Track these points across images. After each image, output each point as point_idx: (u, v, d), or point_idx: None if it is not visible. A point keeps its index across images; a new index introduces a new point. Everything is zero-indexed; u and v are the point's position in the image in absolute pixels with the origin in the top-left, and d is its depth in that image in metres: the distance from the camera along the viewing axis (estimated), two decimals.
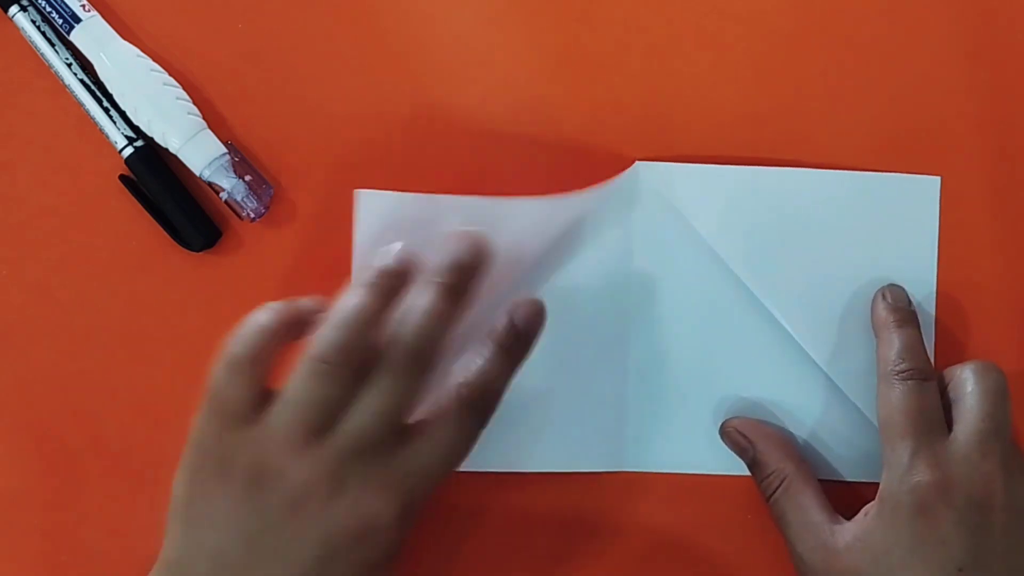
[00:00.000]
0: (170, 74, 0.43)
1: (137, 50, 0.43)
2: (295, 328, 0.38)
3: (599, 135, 0.44)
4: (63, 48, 0.44)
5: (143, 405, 0.44)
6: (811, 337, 0.43)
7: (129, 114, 0.43)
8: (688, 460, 0.44)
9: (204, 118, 0.43)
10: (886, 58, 0.45)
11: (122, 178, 0.44)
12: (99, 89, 0.43)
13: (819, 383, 0.43)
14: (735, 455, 0.43)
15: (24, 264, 0.44)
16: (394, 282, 0.38)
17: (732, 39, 0.45)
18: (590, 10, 0.45)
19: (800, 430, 0.43)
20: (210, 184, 0.43)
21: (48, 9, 0.43)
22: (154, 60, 0.43)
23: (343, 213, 0.43)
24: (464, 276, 0.38)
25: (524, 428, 0.43)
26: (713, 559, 0.44)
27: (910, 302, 0.43)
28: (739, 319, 0.43)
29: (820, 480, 0.41)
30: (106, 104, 0.43)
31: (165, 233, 0.43)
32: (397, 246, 0.39)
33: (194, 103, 0.43)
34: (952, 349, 0.44)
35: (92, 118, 0.43)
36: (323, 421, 0.36)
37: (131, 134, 0.43)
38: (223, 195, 0.43)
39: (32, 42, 0.43)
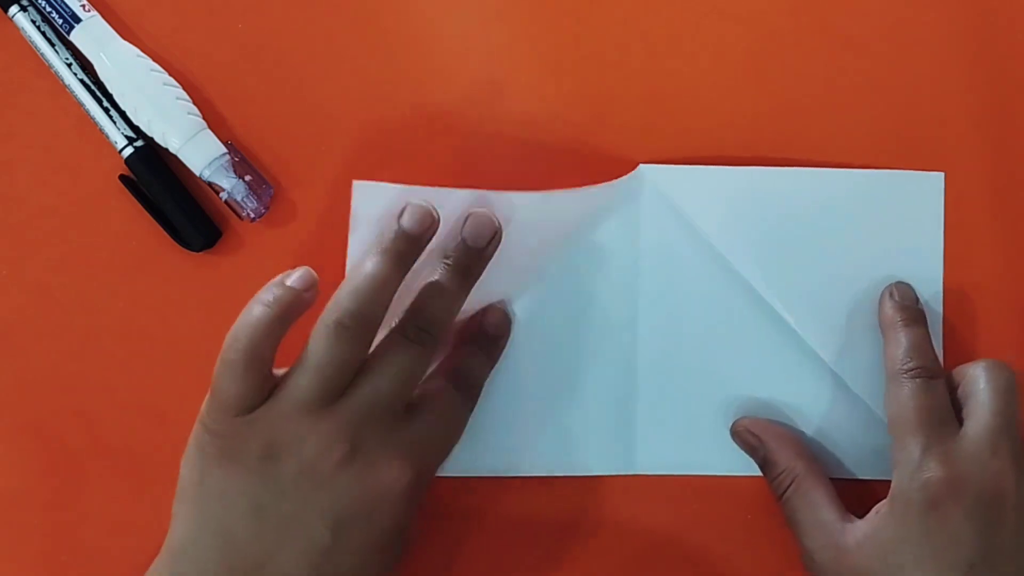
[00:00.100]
0: (170, 74, 0.43)
1: (137, 50, 0.43)
2: (290, 315, 0.38)
3: (599, 135, 0.44)
4: (63, 48, 0.44)
5: (143, 405, 0.44)
6: (818, 335, 0.43)
7: (129, 114, 0.43)
8: (698, 461, 0.44)
9: (204, 118, 0.43)
10: (886, 56, 0.45)
11: (122, 178, 0.44)
12: (99, 89, 0.43)
13: (827, 381, 0.43)
14: (745, 455, 0.43)
15: (24, 264, 0.44)
16: (409, 247, 0.39)
17: (732, 39, 0.45)
18: (590, 10, 0.45)
19: (809, 428, 0.43)
20: (210, 184, 0.43)
21: (48, 9, 0.43)
22: (154, 60, 0.43)
23: (343, 213, 0.43)
24: (476, 258, 0.40)
25: (532, 432, 0.43)
26: (713, 560, 0.44)
27: (917, 300, 0.43)
28: (746, 319, 0.43)
29: (831, 479, 0.41)
30: (106, 104, 0.43)
31: (165, 233, 0.43)
32: (414, 204, 0.39)
33: (194, 103, 0.43)
34: (959, 344, 0.44)
35: (92, 118, 0.43)
36: (339, 383, 0.37)
37: (131, 134, 0.43)
38: (223, 195, 0.43)
39: (32, 42, 0.43)
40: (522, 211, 0.42)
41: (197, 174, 0.43)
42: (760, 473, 0.43)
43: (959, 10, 0.45)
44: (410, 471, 0.37)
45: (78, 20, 0.43)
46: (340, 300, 0.37)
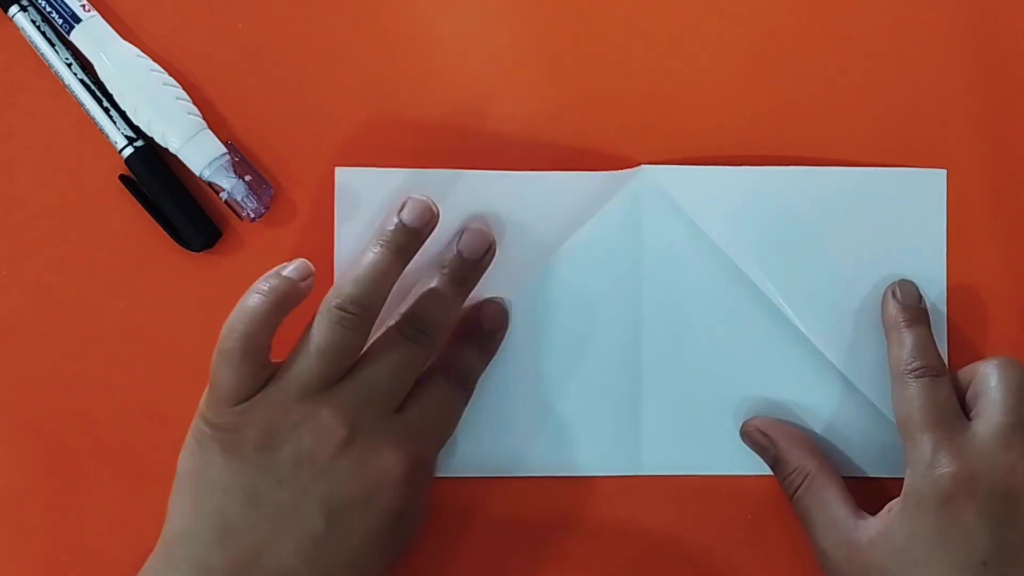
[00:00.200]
0: (170, 74, 0.43)
1: (137, 50, 0.43)
2: (286, 304, 0.38)
3: (599, 135, 0.44)
4: (63, 48, 0.44)
5: (143, 405, 0.44)
6: (823, 334, 0.43)
7: (129, 114, 0.43)
8: (704, 462, 0.44)
9: (204, 118, 0.43)
10: (886, 56, 0.45)
11: (122, 178, 0.44)
12: (99, 89, 0.43)
13: (834, 379, 0.43)
14: (751, 454, 0.43)
15: (24, 264, 0.44)
16: (409, 239, 0.40)
17: (732, 39, 0.45)
18: (590, 10, 0.45)
19: (817, 426, 0.43)
20: (210, 184, 0.43)
21: (48, 9, 0.43)
22: (154, 60, 0.43)
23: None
24: (471, 269, 0.41)
25: (537, 432, 0.43)
26: (714, 560, 0.44)
27: (920, 298, 0.43)
28: (750, 318, 0.43)
29: (843, 477, 0.41)
30: (106, 104, 0.43)
31: (165, 233, 0.43)
32: (415, 199, 0.40)
33: (194, 103, 0.43)
34: (963, 341, 0.44)
35: (92, 118, 0.43)
36: (338, 369, 0.38)
37: (131, 134, 0.43)
38: (223, 195, 0.43)
39: (32, 42, 0.43)
40: (501, 188, 0.43)
41: (197, 174, 0.43)
42: (763, 473, 0.43)
43: (959, 9, 0.45)
44: (406, 458, 0.38)
45: (78, 20, 0.43)
46: (341, 287, 0.38)
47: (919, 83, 0.45)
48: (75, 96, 0.43)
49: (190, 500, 0.37)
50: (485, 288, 0.43)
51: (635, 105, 0.45)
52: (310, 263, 0.40)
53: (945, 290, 0.44)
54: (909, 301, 0.42)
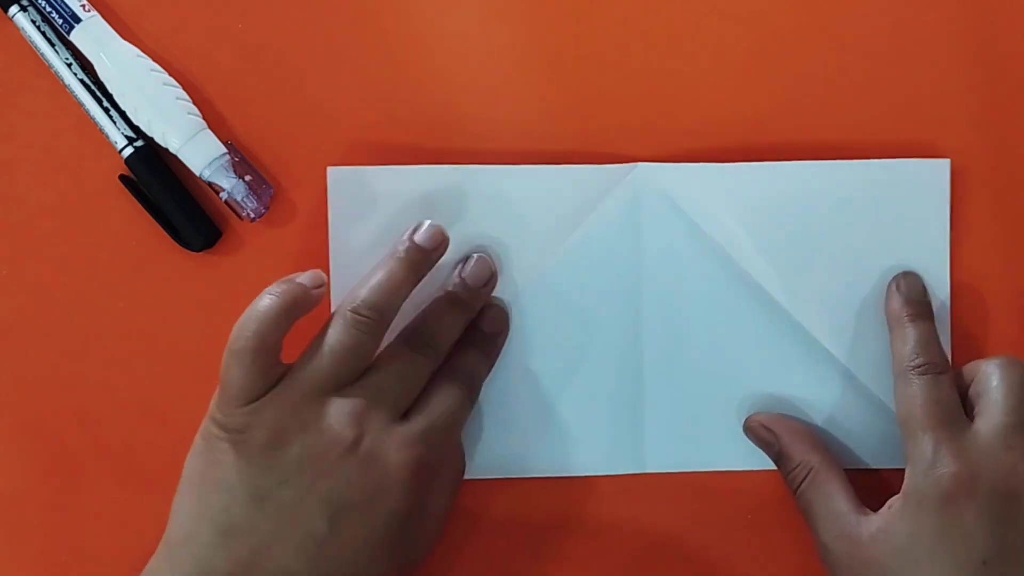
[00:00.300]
0: (170, 74, 0.43)
1: (137, 50, 0.43)
2: (298, 308, 0.38)
3: (599, 135, 0.44)
4: (63, 48, 0.44)
5: (143, 405, 0.44)
6: (826, 327, 0.43)
7: (129, 114, 0.43)
8: (707, 458, 0.44)
9: (204, 118, 0.43)
10: (886, 56, 0.45)
11: (122, 178, 0.44)
12: (99, 89, 0.43)
13: (836, 373, 0.43)
14: (755, 449, 0.43)
15: (24, 264, 0.44)
16: (421, 258, 0.41)
17: (732, 39, 0.45)
18: (590, 10, 0.45)
19: (819, 420, 0.44)
20: (210, 184, 0.43)
21: (48, 9, 0.43)
22: (154, 60, 0.43)
23: None
24: (474, 295, 0.42)
25: (540, 433, 0.43)
26: (713, 560, 0.44)
27: (924, 291, 0.43)
28: (751, 314, 0.43)
29: (846, 471, 0.41)
30: (106, 104, 0.43)
31: (165, 233, 0.43)
32: (429, 224, 0.41)
33: (194, 103, 0.43)
34: (966, 335, 0.44)
35: (92, 118, 0.43)
36: (349, 371, 0.38)
37: (131, 134, 0.43)
38: (223, 195, 0.43)
39: (32, 42, 0.43)
40: (494, 182, 0.43)
41: (197, 174, 0.43)
42: (766, 468, 0.43)
43: (959, 9, 0.45)
44: (412, 462, 0.38)
45: (78, 20, 0.43)
46: (356, 292, 0.39)
47: (919, 84, 0.45)
48: (75, 96, 0.43)
49: (194, 500, 0.37)
50: None
51: (635, 105, 0.45)
52: (323, 273, 0.40)
53: (948, 282, 0.43)
54: (913, 295, 0.42)
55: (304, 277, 0.39)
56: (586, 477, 0.44)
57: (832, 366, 0.43)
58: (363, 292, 0.39)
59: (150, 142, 0.43)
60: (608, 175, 0.43)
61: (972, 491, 0.37)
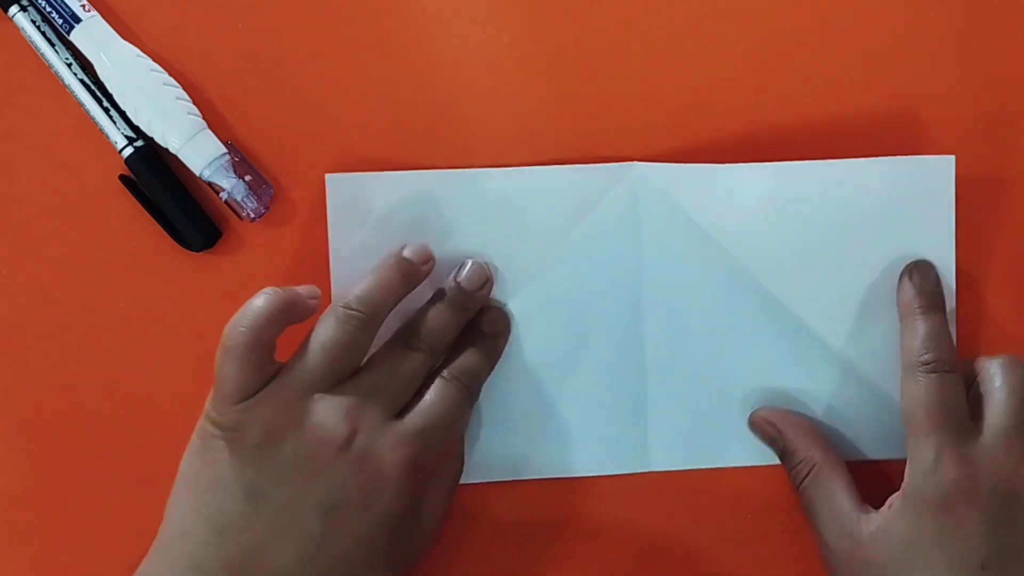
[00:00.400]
0: (170, 74, 0.43)
1: (137, 50, 0.43)
2: (292, 311, 0.38)
3: (599, 135, 0.44)
4: (63, 48, 0.44)
5: (143, 405, 0.44)
6: (828, 323, 0.43)
7: (129, 114, 0.43)
8: (712, 455, 0.44)
9: (204, 118, 0.43)
10: (886, 56, 0.45)
11: (122, 178, 0.44)
12: (99, 89, 0.43)
13: (838, 367, 0.43)
14: (760, 445, 0.43)
15: (24, 264, 0.44)
16: (412, 269, 0.41)
17: (732, 39, 0.45)
18: (590, 10, 0.45)
19: (823, 413, 0.44)
20: (210, 184, 0.43)
21: (48, 9, 0.43)
22: (154, 60, 0.43)
23: None
24: (470, 299, 0.42)
25: (544, 435, 0.43)
26: (713, 560, 0.44)
27: (938, 282, 0.42)
28: (751, 311, 0.43)
29: (849, 463, 0.41)
30: (106, 104, 0.43)
31: (165, 233, 0.43)
32: (416, 243, 0.42)
33: (194, 103, 0.43)
34: (969, 327, 0.44)
35: (92, 118, 0.43)
36: (342, 367, 0.38)
37: (131, 134, 0.43)
38: (223, 195, 0.43)
39: (32, 42, 0.43)
40: (497, 187, 0.43)
41: (197, 174, 0.43)
42: (772, 463, 0.43)
43: (959, 9, 0.45)
44: (407, 461, 0.37)
45: (78, 20, 0.43)
46: (349, 291, 0.39)
47: (920, 85, 0.45)
48: (75, 96, 0.43)
49: (190, 499, 0.37)
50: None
51: (635, 105, 0.45)
52: (319, 289, 0.40)
53: (954, 278, 0.43)
54: (926, 286, 0.42)
55: (300, 288, 0.39)
56: (586, 477, 0.44)
57: (834, 360, 0.43)
58: (355, 290, 0.39)
59: (150, 142, 0.43)
60: (606, 175, 0.43)
61: (973, 497, 0.37)
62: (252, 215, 0.43)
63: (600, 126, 0.45)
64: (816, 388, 0.44)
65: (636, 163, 0.43)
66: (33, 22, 0.43)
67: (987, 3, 0.45)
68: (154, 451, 0.43)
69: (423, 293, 0.42)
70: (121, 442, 0.44)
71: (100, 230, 0.44)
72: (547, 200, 0.43)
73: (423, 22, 0.45)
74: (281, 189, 0.44)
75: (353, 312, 0.38)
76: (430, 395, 0.40)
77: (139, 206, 0.43)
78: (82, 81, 0.43)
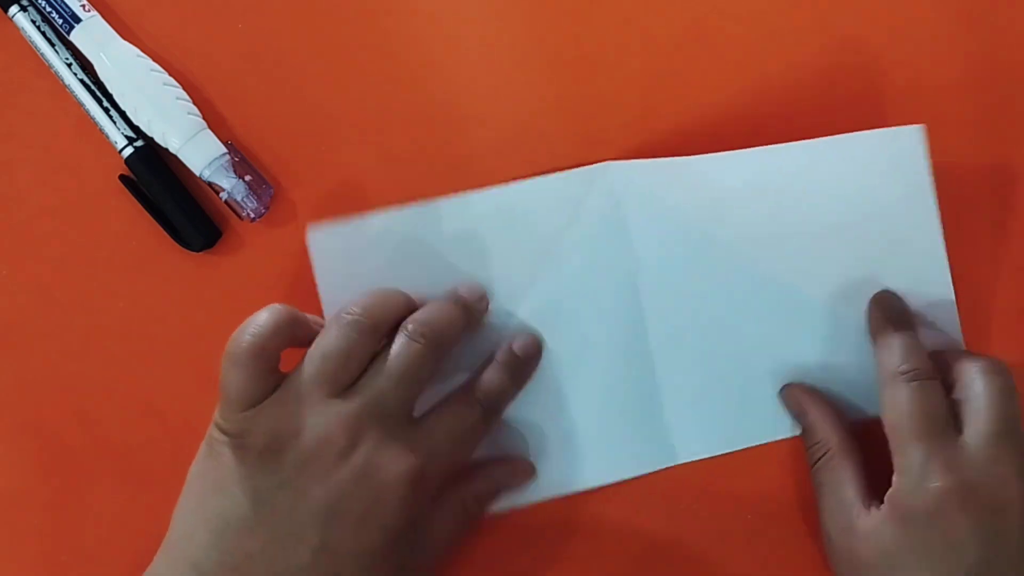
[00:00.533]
0: (170, 74, 0.43)
1: (137, 50, 0.43)
2: (297, 326, 0.39)
3: (599, 135, 0.44)
4: (63, 48, 0.44)
5: (143, 405, 0.44)
6: (823, 295, 0.43)
7: (129, 114, 0.43)
8: (736, 436, 0.44)
9: (204, 118, 0.43)
10: (886, 56, 0.45)
11: (122, 178, 0.44)
12: (99, 89, 0.43)
13: (836, 333, 0.44)
14: (781, 419, 0.43)
15: (24, 264, 0.44)
16: (404, 296, 0.41)
17: (732, 39, 0.45)
18: (590, 10, 0.45)
19: (826, 376, 0.44)
20: (210, 184, 0.43)
21: (48, 9, 0.43)
22: (154, 60, 0.43)
23: (343, 213, 0.43)
24: (476, 303, 0.42)
25: (565, 449, 0.43)
26: (713, 560, 0.44)
27: (902, 303, 0.43)
28: (751, 291, 0.43)
29: (857, 440, 0.41)
30: (106, 104, 0.43)
31: (165, 233, 0.43)
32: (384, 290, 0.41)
33: (194, 103, 0.43)
34: (966, 329, 0.44)
35: (92, 118, 0.43)
36: (346, 374, 0.38)
37: (131, 134, 0.43)
38: (223, 195, 0.43)
39: (32, 42, 0.43)
40: (479, 210, 0.43)
41: (197, 174, 0.43)
42: (791, 436, 0.43)
43: (959, 9, 0.45)
44: (411, 474, 0.37)
45: (78, 20, 0.43)
46: (352, 303, 0.39)
47: (919, 84, 0.45)
48: (75, 96, 0.43)
49: (194, 503, 0.37)
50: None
51: (635, 105, 0.45)
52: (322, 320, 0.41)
53: (944, 249, 0.43)
54: (892, 311, 0.42)
55: (308, 315, 0.40)
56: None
57: (829, 329, 0.44)
58: (356, 302, 0.39)
59: (150, 142, 0.43)
60: (582, 177, 0.43)
61: (961, 506, 0.37)
62: (252, 215, 0.43)
63: (600, 126, 0.45)
64: (821, 355, 0.44)
65: (611, 163, 0.43)
66: (33, 22, 0.43)
67: (987, 3, 0.45)
68: (154, 451, 0.43)
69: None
70: (121, 442, 0.44)
71: (100, 230, 0.44)
72: (530, 213, 0.43)
73: (423, 22, 0.45)
74: (281, 189, 0.44)
75: (355, 318, 0.38)
76: (446, 408, 0.40)
77: (139, 206, 0.43)
78: (82, 81, 0.43)
